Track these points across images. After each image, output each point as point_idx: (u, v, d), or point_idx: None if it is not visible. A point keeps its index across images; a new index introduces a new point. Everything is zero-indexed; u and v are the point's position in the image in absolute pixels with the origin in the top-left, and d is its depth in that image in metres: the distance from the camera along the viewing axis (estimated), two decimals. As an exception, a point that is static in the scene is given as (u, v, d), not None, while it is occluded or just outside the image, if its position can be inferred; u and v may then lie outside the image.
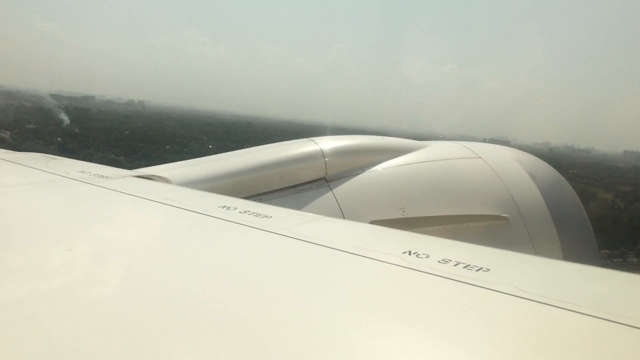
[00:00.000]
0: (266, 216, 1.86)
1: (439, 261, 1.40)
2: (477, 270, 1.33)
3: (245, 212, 1.90)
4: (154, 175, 2.76)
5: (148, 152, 46.59)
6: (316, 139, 3.70)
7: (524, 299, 1.16)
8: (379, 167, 3.61)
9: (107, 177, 2.42)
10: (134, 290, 1.24)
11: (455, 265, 1.37)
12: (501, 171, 3.63)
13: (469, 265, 1.36)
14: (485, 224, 3.42)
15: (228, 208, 1.95)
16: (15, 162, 2.82)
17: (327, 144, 3.62)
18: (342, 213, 3.29)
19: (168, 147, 52.44)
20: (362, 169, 3.57)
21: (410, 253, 1.47)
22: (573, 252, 3.48)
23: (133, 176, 2.61)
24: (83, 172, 2.50)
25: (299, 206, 3.25)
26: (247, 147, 3.87)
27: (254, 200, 3.06)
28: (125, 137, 57.37)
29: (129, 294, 1.22)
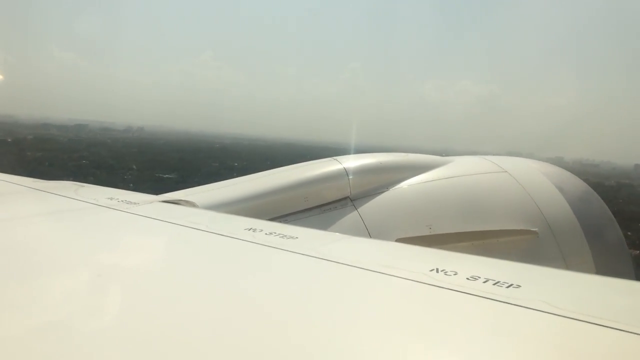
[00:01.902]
0: (292, 237, 1.87)
1: (467, 278, 1.38)
2: (508, 287, 1.31)
3: (271, 233, 1.92)
4: (180, 200, 2.79)
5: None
6: (339, 158, 3.70)
7: (557, 316, 1.14)
8: (404, 185, 3.59)
9: (135, 203, 2.46)
10: (163, 315, 1.26)
11: (484, 282, 1.35)
12: (528, 184, 3.58)
13: (498, 281, 1.35)
14: (514, 239, 3.36)
15: (254, 230, 1.97)
16: (45, 190, 2.88)
17: (350, 162, 3.62)
18: (368, 232, 3.28)
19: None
20: (386, 186, 3.56)
21: (437, 270, 1.46)
22: (606, 265, 3.38)
23: (160, 201, 2.65)
24: (111, 198, 2.54)
25: (324, 226, 3.25)
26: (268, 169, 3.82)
27: (280, 222, 3.03)
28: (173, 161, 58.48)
29: (159, 318, 1.24)
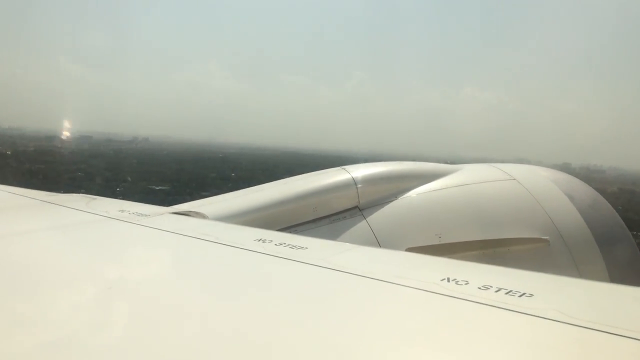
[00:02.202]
0: (302, 247, 1.88)
1: (479, 287, 1.37)
2: (520, 296, 1.30)
3: (280, 244, 1.93)
4: (190, 211, 2.80)
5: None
6: (347, 167, 3.70)
7: (571, 325, 1.13)
8: (412, 193, 3.58)
9: (145, 215, 2.48)
10: (175, 327, 1.27)
11: (496, 291, 1.34)
12: (537, 192, 3.56)
13: (511, 290, 1.33)
14: (525, 247, 3.33)
15: (264, 241, 1.98)
16: (57, 203, 2.89)
17: (358, 172, 3.61)
18: (378, 241, 3.27)
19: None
20: (395, 195, 3.55)
21: (449, 280, 1.44)
22: (619, 272, 3.36)
23: (170, 213, 2.66)
24: (122, 210, 2.57)
25: (333, 236, 3.25)
26: (275, 179, 3.84)
27: (289, 232, 3.07)
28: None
29: (171, 330, 1.26)
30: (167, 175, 58.67)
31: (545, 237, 3.33)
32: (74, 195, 3.21)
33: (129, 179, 52.02)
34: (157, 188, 45.44)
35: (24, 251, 2.00)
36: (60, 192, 3.44)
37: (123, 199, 3.16)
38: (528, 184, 3.62)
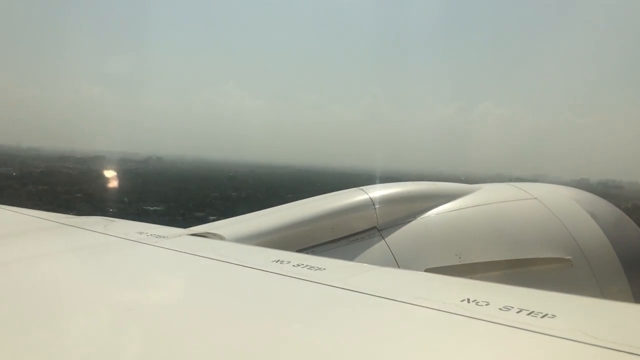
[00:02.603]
0: (319, 268, 1.88)
1: (500, 308, 1.35)
2: (542, 317, 1.27)
3: (298, 265, 1.93)
4: (208, 233, 2.81)
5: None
6: (365, 188, 3.69)
7: (595, 346, 1.10)
8: (431, 213, 3.54)
9: (164, 237, 2.50)
10: (193, 348, 1.28)
11: (518, 312, 1.31)
12: (559, 211, 3.52)
13: (532, 311, 1.31)
14: (547, 267, 3.28)
15: (282, 262, 1.98)
16: (76, 226, 2.93)
17: (376, 192, 3.60)
18: (396, 262, 3.24)
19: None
20: (413, 216, 3.51)
21: (469, 301, 1.42)
22: None
23: (188, 235, 2.68)
24: (141, 233, 2.59)
25: (351, 257, 3.23)
26: (291, 197, 3.89)
27: (307, 253, 3.07)
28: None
29: (190, 351, 1.26)
30: (168, 196, 58.72)
31: (567, 257, 3.28)
32: (93, 217, 3.21)
33: (126, 199, 51.55)
34: (152, 209, 44.99)
35: (46, 273, 2.02)
36: (51, 213, 3.44)
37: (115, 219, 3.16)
38: (550, 203, 3.57)
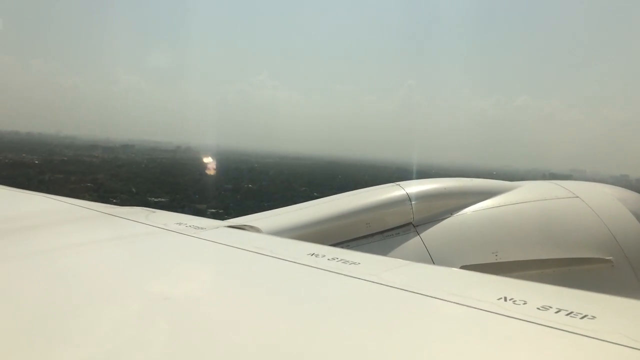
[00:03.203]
0: (354, 263, 1.87)
1: (538, 308, 1.32)
2: (582, 318, 1.24)
3: (333, 259, 1.93)
4: (245, 225, 2.84)
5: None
6: (402, 183, 3.67)
7: (636, 350, 1.08)
8: (468, 210, 3.51)
9: (202, 228, 2.54)
10: (229, 338, 1.30)
11: (556, 312, 1.28)
12: (601, 211, 3.45)
13: (572, 312, 1.28)
14: (587, 267, 3.24)
15: (317, 255, 1.99)
16: (118, 215, 3.01)
17: (413, 188, 3.58)
18: (432, 258, 3.23)
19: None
20: (450, 212, 3.48)
21: (506, 299, 1.39)
22: None
23: (226, 226, 2.71)
24: (180, 224, 2.63)
25: (386, 252, 3.24)
26: (329, 190, 3.93)
27: (342, 247, 3.08)
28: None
29: (225, 341, 1.28)
30: (178, 186, 57.80)
31: (608, 258, 3.22)
32: (135, 208, 3.26)
33: (134, 189, 50.57)
34: (156, 200, 43.75)
35: (89, 261, 2.10)
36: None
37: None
38: (592, 202, 3.50)
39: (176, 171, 73.92)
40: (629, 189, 3.95)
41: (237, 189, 57.95)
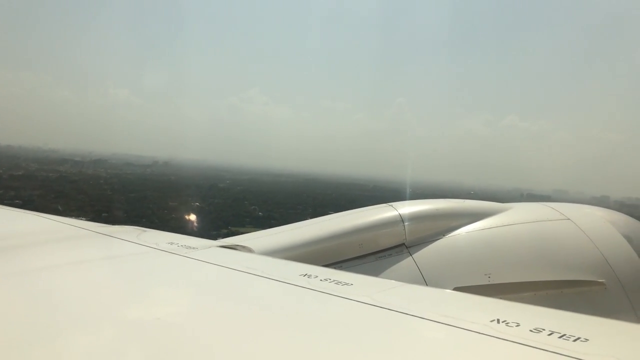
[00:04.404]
0: (347, 284, 1.87)
1: (530, 330, 1.32)
2: (575, 340, 1.25)
3: (325, 279, 1.93)
4: (237, 245, 2.84)
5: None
6: (394, 204, 3.71)
7: None
8: (461, 232, 3.54)
9: (193, 248, 2.54)
10: (219, 359, 1.30)
11: (549, 334, 1.29)
12: (593, 233, 3.50)
13: (564, 334, 1.28)
14: (580, 290, 3.27)
15: (309, 276, 1.98)
16: (109, 234, 3.01)
17: (405, 209, 3.62)
18: (424, 280, 3.25)
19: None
20: (442, 233, 3.52)
21: (499, 321, 1.40)
22: None
23: (217, 246, 2.72)
24: (172, 243, 2.63)
25: (379, 273, 3.26)
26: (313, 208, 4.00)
27: (334, 268, 3.07)
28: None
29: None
30: (112, 203, 54.83)
31: (601, 280, 3.25)
32: (125, 227, 3.23)
33: (60, 208, 48.08)
34: (106, 215, 41.42)
35: (78, 280, 2.08)
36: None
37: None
38: (583, 225, 3.54)
39: (133, 187, 71.28)
40: (609, 208, 4.00)
41: (175, 208, 54.72)
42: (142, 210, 50.22)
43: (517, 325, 1.34)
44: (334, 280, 1.88)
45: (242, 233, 3.00)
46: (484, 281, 3.15)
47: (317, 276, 1.95)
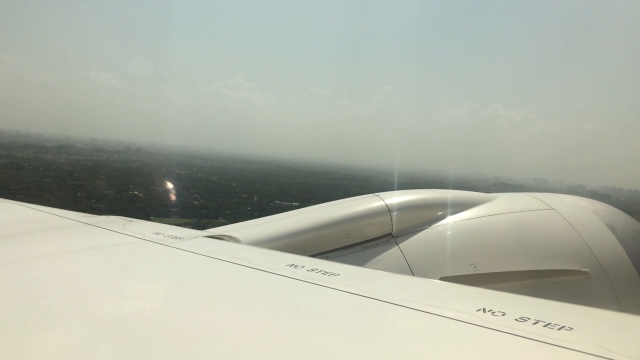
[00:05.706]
0: (334, 274, 1.88)
1: (516, 319, 1.34)
2: (559, 329, 1.26)
3: (312, 270, 1.93)
4: (224, 235, 2.82)
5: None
6: (381, 194, 3.69)
7: None
8: (447, 221, 3.56)
9: (180, 238, 2.51)
10: (205, 349, 1.30)
11: (534, 323, 1.30)
12: (577, 223, 3.51)
13: (549, 323, 1.29)
14: (564, 279, 3.30)
15: (296, 266, 1.99)
16: (95, 225, 2.96)
17: (392, 199, 3.61)
18: (411, 269, 3.26)
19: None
20: (429, 223, 3.53)
21: (484, 310, 1.42)
22: None
23: (204, 236, 2.69)
24: (158, 233, 2.60)
25: (366, 263, 3.26)
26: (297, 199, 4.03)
27: (321, 258, 3.11)
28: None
29: (201, 352, 1.28)
30: (78, 187, 52.60)
31: (585, 269, 3.27)
32: (111, 217, 3.20)
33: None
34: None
35: (64, 271, 2.06)
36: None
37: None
38: (567, 214, 3.54)
39: (79, 174, 66.34)
40: (586, 197, 4.03)
41: (154, 196, 51.35)
42: (67, 199, 46.81)
43: (503, 315, 1.35)
44: (320, 271, 1.88)
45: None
46: (470, 271, 3.17)
47: (304, 266, 1.95)
